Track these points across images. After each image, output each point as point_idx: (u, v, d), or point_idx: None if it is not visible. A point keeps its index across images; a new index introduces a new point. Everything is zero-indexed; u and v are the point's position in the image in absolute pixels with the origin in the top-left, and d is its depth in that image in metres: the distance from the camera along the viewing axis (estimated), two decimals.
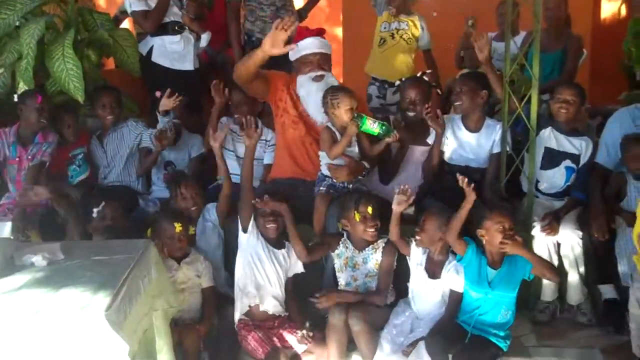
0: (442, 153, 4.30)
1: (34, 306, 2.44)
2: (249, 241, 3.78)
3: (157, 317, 3.00)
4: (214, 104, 4.66)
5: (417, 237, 3.64)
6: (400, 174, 4.37)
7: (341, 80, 5.65)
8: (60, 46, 4.41)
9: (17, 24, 4.59)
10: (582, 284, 4.00)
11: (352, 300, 3.67)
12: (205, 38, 5.30)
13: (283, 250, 3.83)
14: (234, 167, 4.41)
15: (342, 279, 3.84)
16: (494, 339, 3.49)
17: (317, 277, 3.97)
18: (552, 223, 3.94)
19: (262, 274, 3.74)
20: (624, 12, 7.37)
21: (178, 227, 3.71)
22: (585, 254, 3.95)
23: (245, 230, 3.79)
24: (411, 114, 4.36)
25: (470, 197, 3.47)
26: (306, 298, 3.75)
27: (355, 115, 3.87)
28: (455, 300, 3.59)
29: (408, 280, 3.76)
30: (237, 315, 3.75)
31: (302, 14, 5.83)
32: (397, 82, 4.84)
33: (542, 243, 3.98)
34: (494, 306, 3.51)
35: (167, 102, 4.45)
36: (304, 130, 4.30)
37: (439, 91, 5.20)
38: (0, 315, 2.41)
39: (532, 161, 4.15)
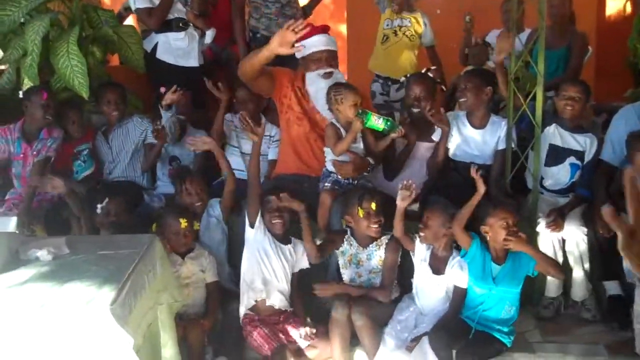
0: (447, 150, 4.30)
1: (39, 300, 2.45)
2: (256, 236, 3.79)
3: (161, 312, 3.02)
4: (218, 100, 4.67)
5: (421, 234, 3.64)
6: (405, 170, 4.37)
7: (346, 77, 5.65)
8: (65, 43, 4.42)
9: (22, 20, 4.60)
10: (586, 280, 3.99)
11: (354, 293, 3.68)
12: (209, 35, 5.31)
13: (289, 246, 3.84)
14: (238, 163, 4.43)
15: (346, 275, 3.84)
16: (497, 335, 3.49)
17: (321, 273, 3.97)
18: (557, 219, 3.93)
19: (269, 269, 3.75)
20: (629, 9, 7.35)
21: (183, 222, 3.72)
22: (590, 250, 3.95)
23: (252, 226, 3.80)
24: (416, 110, 4.36)
25: (481, 189, 3.48)
26: (310, 293, 3.76)
27: (360, 111, 3.87)
28: (459, 296, 3.59)
29: (412, 276, 3.76)
30: (243, 310, 3.75)
31: (306, 10, 5.84)
32: (402, 79, 4.84)
33: (547, 239, 3.97)
34: (497, 302, 3.51)
35: (170, 96, 4.45)
36: (308, 127, 4.30)
37: (443, 87, 5.20)
38: (6, 309, 2.42)
39: (537, 158, 4.15)
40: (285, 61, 4.50)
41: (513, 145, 4.21)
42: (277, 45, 3.79)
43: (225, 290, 3.92)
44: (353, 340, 3.61)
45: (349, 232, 3.83)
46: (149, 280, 2.86)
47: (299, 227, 3.92)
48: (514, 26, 4.35)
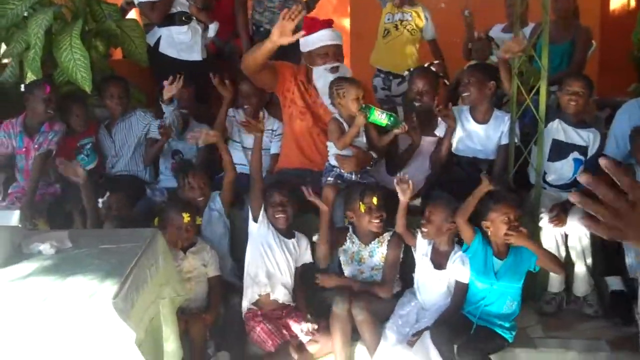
0: (450, 145, 4.29)
1: (41, 294, 2.44)
2: (259, 231, 3.79)
3: (164, 306, 3.01)
4: (221, 95, 4.66)
5: (424, 229, 3.64)
6: (408, 164, 4.37)
7: None
8: (68, 36, 4.41)
9: (25, 14, 4.60)
10: (589, 275, 4.00)
11: (355, 288, 3.68)
12: (212, 28, 5.29)
13: (293, 240, 3.85)
14: (240, 158, 4.42)
15: (347, 272, 3.84)
16: (499, 330, 3.49)
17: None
18: (560, 214, 3.93)
19: (272, 262, 3.75)
20: (633, 3, 7.32)
21: (186, 217, 3.71)
22: (592, 245, 3.95)
23: (255, 220, 3.80)
24: (417, 104, 4.35)
25: (486, 186, 3.49)
26: (313, 288, 3.76)
27: (363, 106, 3.87)
28: (460, 291, 3.59)
29: (414, 271, 3.76)
30: (245, 304, 3.76)
31: (309, 4, 5.81)
32: (406, 73, 4.83)
33: (550, 234, 3.97)
34: (499, 297, 3.52)
35: (169, 89, 4.45)
36: (311, 121, 4.30)
37: (446, 82, 5.19)
38: (8, 303, 2.42)
39: (540, 153, 4.14)
40: (287, 56, 4.50)
41: (516, 140, 4.21)
42: (278, 36, 3.80)
43: (227, 285, 3.92)
44: (354, 335, 3.61)
45: (350, 229, 3.83)
46: (151, 274, 2.85)
47: (301, 221, 3.93)
48: (517, 21, 4.33)
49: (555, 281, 4.03)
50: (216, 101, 4.79)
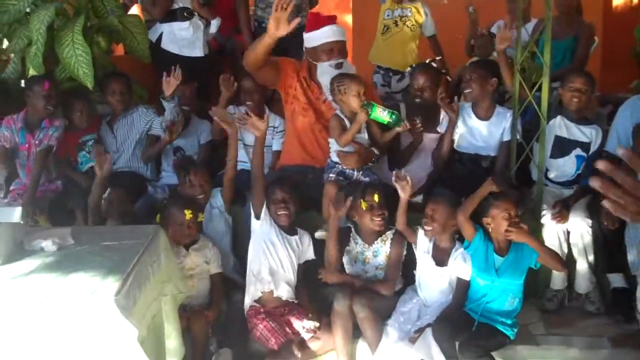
0: (452, 141, 4.29)
1: (43, 291, 2.45)
2: (262, 228, 3.79)
3: (166, 303, 3.02)
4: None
5: (428, 228, 3.63)
6: (410, 161, 4.36)
7: None
8: (70, 32, 4.41)
9: (27, 10, 4.59)
10: (591, 272, 3.99)
11: (357, 285, 3.68)
12: (214, 24, 5.28)
13: (295, 237, 3.85)
14: (241, 155, 4.41)
15: (351, 272, 3.83)
16: (500, 327, 3.49)
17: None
18: (562, 211, 3.93)
19: (275, 259, 3.75)
20: None
21: (188, 214, 3.71)
22: (594, 242, 3.94)
23: (258, 217, 3.80)
24: (418, 100, 4.34)
25: (489, 187, 3.49)
26: (315, 285, 3.76)
27: (365, 103, 3.86)
28: (462, 288, 3.59)
29: (415, 268, 3.76)
30: (248, 302, 3.76)
31: (312, 0, 5.82)
32: (409, 69, 4.83)
33: (552, 231, 3.97)
34: (500, 293, 3.51)
35: (168, 84, 4.44)
36: (313, 118, 4.30)
37: (449, 78, 5.18)
38: (10, 299, 2.42)
39: (542, 149, 4.13)
40: (290, 52, 4.49)
41: (518, 137, 4.20)
42: (275, 28, 3.78)
43: (229, 282, 3.92)
44: (356, 332, 3.61)
45: (353, 230, 3.83)
46: (153, 271, 2.85)
47: (304, 218, 3.93)
48: (520, 16, 4.32)
49: (557, 278, 4.03)
50: (218, 98, 4.78)
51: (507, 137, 4.23)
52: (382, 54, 5.68)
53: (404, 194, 3.65)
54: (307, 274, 3.87)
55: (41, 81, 4.33)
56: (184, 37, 5.18)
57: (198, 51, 5.23)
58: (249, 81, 4.51)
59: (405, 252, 3.79)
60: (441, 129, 4.32)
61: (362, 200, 3.67)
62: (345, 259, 3.82)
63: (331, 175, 3.96)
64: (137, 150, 4.70)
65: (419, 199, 3.90)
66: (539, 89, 4.07)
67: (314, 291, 3.81)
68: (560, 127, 4.22)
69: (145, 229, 3.08)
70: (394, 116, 3.87)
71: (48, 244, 2.81)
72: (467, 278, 3.58)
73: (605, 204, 1.40)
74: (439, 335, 3.38)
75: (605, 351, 3.65)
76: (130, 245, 2.82)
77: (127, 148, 4.69)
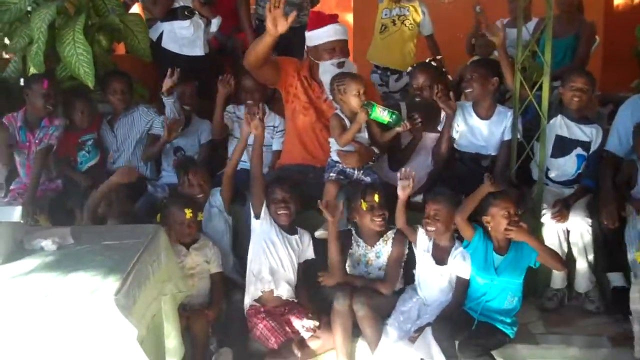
0: (452, 140, 4.29)
1: (43, 290, 2.45)
2: (262, 227, 3.80)
3: (165, 302, 3.02)
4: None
5: (432, 228, 3.62)
6: (411, 160, 4.36)
7: None
8: (71, 31, 4.41)
9: (29, 8, 4.59)
10: (590, 271, 4.00)
11: (358, 284, 3.68)
12: (215, 23, 5.28)
13: (296, 236, 3.85)
14: None
15: (354, 273, 3.83)
16: (500, 326, 3.49)
17: (327, 264, 3.95)
18: (562, 210, 3.93)
19: (275, 258, 3.76)
20: None
21: (188, 213, 3.71)
22: (594, 241, 3.95)
23: (257, 217, 3.80)
24: (418, 99, 4.34)
25: (488, 188, 3.48)
26: (315, 284, 3.76)
27: (365, 103, 3.86)
28: (461, 287, 3.59)
29: (415, 267, 3.76)
30: (248, 301, 3.76)
31: None
32: (409, 69, 4.83)
33: (552, 230, 3.97)
34: (500, 292, 3.52)
35: (168, 81, 4.45)
36: (314, 117, 4.29)
37: (450, 77, 5.17)
38: (10, 299, 2.43)
39: (542, 149, 4.13)
40: (291, 50, 4.48)
41: (519, 136, 4.20)
42: (272, 26, 3.77)
43: (229, 281, 3.93)
44: (355, 331, 3.62)
45: (354, 232, 3.83)
46: (153, 270, 2.86)
47: (304, 217, 3.93)
48: (521, 15, 4.32)
49: (557, 277, 4.04)
50: None
51: (507, 137, 4.23)
52: (380, 53, 5.68)
53: (402, 193, 3.65)
54: (307, 273, 3.87)
55: (40, 80, 4.33)
56: (184, 36, 5.18)
57: (198, 50, 5.22)
58: (249, 80, 4.51)
59: (407, 252, 3.79)
60: (442, 128, 4.31)
61: (362, 200, 3.67)
62: (347, 262, 3.82)
63: (332, 174, 3.96)
64: (138, 150, 4.71)
65: (419, 198, 3.90)
66: (540, 88, 4.07)
67: (314, 290, 3.82)
68: (560, 126, 4.23)
69: (145, 228, 3.09)
70: (394, 116, 3.87)
71: (48, 244, 2.82)
72: (467, 277, 3.58)
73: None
74: (438, 334, 3.38)
75: (605, 350, 3.66)
76: (130, 245, 2.82)
77: (128, 147, 4.69)
